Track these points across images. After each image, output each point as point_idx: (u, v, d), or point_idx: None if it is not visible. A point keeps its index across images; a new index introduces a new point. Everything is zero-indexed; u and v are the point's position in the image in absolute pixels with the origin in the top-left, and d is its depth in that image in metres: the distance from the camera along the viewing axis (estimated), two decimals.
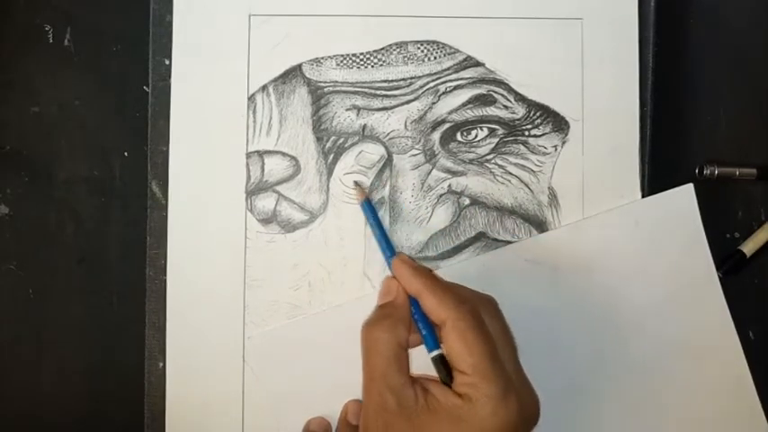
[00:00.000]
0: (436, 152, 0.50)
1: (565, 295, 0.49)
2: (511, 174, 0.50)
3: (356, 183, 0.49)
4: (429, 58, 0.50)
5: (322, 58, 0.50)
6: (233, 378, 0.49)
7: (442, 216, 0.50)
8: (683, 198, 0.50)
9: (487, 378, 0.38)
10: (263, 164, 0.50)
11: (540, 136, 0.50)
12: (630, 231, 0.50)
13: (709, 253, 0.50)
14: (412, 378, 0.40)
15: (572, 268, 0.50)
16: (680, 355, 0.50)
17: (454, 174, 0.50)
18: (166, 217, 0.49)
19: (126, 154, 0.51)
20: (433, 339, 0.41)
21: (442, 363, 0.40)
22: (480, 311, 0.40)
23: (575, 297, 0.49)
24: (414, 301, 0.42)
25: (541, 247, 0.50)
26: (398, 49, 0.50)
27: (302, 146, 0.50)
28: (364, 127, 0.50)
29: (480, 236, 0.50)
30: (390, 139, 0.50)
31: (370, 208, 0.48)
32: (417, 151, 0.50)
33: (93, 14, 0.52)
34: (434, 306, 0.41)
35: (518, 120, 0.50)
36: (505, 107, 0.50)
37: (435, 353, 0.41)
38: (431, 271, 0.44)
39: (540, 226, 0.50)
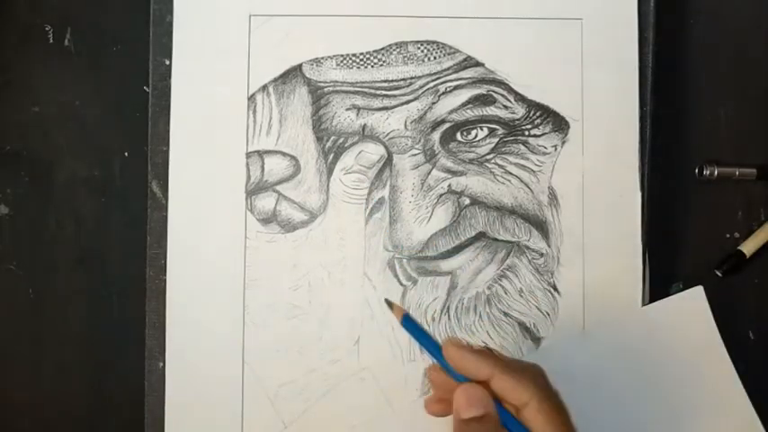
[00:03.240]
0: (436, 152, 0.50)
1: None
2: (511, 173, 0.50)
3: (388, 301, 0.42)
4: (429, 58, 0.50)
5: (322, 58, 0.50)
6: (233, 378, 0.49)
7: (442, 216, 0.50)
8: (694, 301, 0.49)
9: None
10: (263, 164, 0.50)
11: (539, 136, 0.50)
12: (642, 340, 0.48)
13: (726, 355, 0.48)
14: None
15: (581, 380, 0.47)
16: None
17: (454, 173, 0.50)
18: (166, 217, 0.49)
19: (126, 154, 0.51)
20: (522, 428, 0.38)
21: None
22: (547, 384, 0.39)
23: (585, 410, 0.42)
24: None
25: (545, 357, 0.45)
26: (398, 49, 0.50)
27: (302, 146, 0.50)
28: (364, 127, 0.50)
29: (480, 236, 0.50)
30: (390, 138, 0.50)
31: (410, 324, 0.42)
32: (417, 151, 0.50)
33: (93, 14, 0.52)
34: (512, 387, 0.38)
35: (518, 120, 0.50)
36: (505, 107, 0.50)
37: None
38: (487, 347, 0.40)
39: (540, 226, 0.50)
